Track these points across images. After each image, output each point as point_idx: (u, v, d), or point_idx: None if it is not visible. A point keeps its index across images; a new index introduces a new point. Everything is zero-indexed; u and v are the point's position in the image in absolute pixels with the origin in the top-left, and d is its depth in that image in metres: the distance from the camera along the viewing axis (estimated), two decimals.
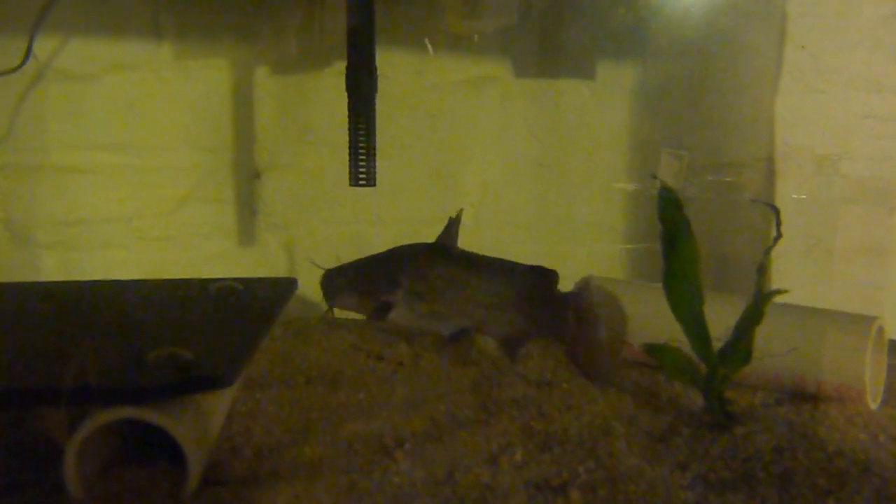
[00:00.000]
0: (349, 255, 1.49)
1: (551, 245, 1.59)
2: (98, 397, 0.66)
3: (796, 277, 1.40)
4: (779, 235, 0.82)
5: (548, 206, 1.56)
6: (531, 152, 1.54)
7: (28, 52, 1.25)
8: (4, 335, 0.83)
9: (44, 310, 0.94)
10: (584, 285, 1.09)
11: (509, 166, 1.54)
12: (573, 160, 1.56)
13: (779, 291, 0.80)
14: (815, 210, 1.47)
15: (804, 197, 1.47)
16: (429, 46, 1.44)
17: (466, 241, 1.52)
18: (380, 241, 1.49)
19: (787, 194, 1.48)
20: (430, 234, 1.50)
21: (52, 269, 1.39)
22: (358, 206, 1.48)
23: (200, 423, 0.71)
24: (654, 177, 0.86)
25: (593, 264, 1.60)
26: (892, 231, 1.47)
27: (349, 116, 1.14)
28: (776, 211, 0.82)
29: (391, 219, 1.50)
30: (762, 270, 0.82)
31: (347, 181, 1.44)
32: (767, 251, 0.83)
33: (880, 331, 0.94)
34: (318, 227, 1.48)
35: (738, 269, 1.47)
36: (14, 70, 1.26)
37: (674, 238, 0.85)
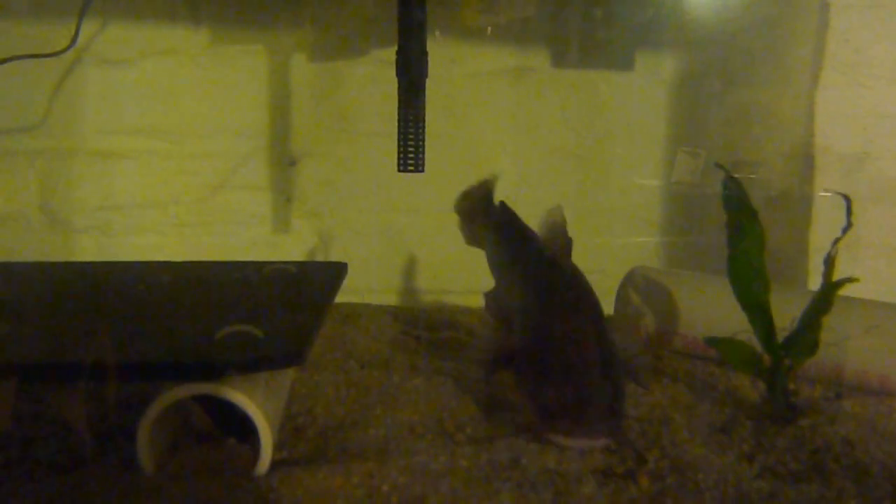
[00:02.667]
0: (384, 244, 1.48)
1: (587, 237, 1.58)
2: (171, 374, 0.65)
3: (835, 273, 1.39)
4: (848, 225, 0.81)
5: (584, 197, 1.55)
6: (567, 144, 1.53)
7: (76, 36, 1.25)
8: (76, 313, 0.83)
9: (101, 288, 0.94)
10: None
11: (545, 157, 1.53)
12: (610, 152, 1.55)
13: (849, 280, 0.79)
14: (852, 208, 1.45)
15: (830, 194, 1.45)
16: (437, 36, 1.43)
17: None
18: (414, 231, 1.49)
19: (827, 189, 1.46)
20: None
21: (88, 253, 1.39)
22: (392, 196, 1.47)
23: (270, 401, 0.70)
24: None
25: (629, 256, 1.58)
26: None
27: (399, 101, 1.13)
28: (848, 200, 0.81)
29: (426, 208, 1.49)
30: (830, 261, 0.81)
31: (383, 170, 1.44)
32: (836, 241, 0.82)
33: None
34: (353, 216, 1.47)
35: (772, 266, 1.46)
36: (60, 53, 1.25)
37: (739, 224, 0.83)
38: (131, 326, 0.77)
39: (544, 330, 0.82)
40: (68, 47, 1.24)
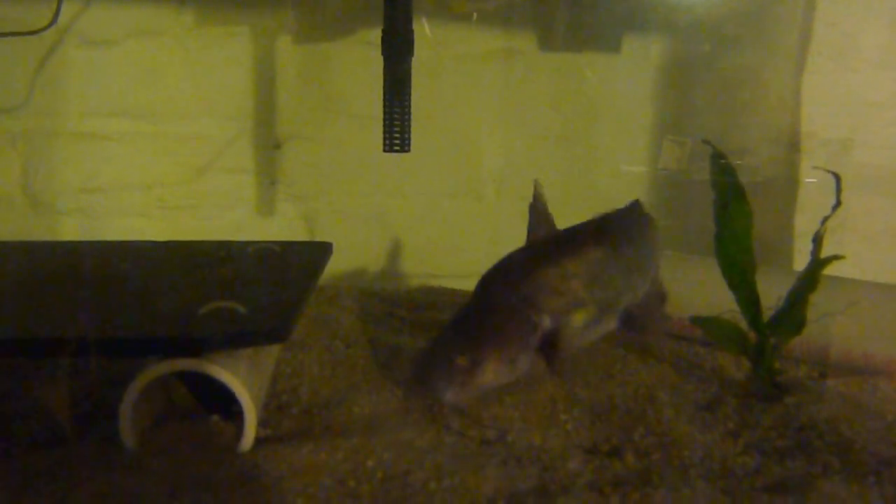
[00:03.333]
0: (370, 228, 1.47)
1: (574, 220, 1.58)
2: (154, 349, 0.64)
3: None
4: (837, 203, 0.81)
5: (571, 180, 1.55)
6: (555, 126, 1.52)
7: (56, 14, 1.22)
8: (59, 290, 0.81)
9: (85, 267, 0.93)
10: None
11: (533, 140, 1.52)
12: (596, 135, 1.55)
13: (835, 258, 0.79)
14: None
15: (816, 180, 1.46)
16: (425, 26, 1.42)
17: (488, 216, 1.52)
18: (400, 214, 1.48)
19: (813, 173, 1.47)
20: (451, 209, 1.49)
21: (71, 236, 1.38)
22: (379, 178, 1.47)
23: (254, 378, 0.70)
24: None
25: None
26: None
27: (384, 80, 1.12)
28: (837, 179, 0.81)
29: (413, 191, 1.49)
30: (818, 239, 0.81)
31: (369, 152, 1.43)
32: (825, 219, 0.82)
33: None
34: (339, 199, 1.46)
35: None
36: (40, 31, 1.23)
37: (726, 203, 0.83)
38: (114, 303, 0.76)
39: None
40: (48, 25, 1.22)
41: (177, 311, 0.72)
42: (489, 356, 0.72)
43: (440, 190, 1.50)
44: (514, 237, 1.53)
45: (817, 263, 0.80)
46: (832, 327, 0.92)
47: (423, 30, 1.42)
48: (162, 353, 0.65)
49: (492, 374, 0.72)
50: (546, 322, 0.77)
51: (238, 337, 0.65)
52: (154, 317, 0.71)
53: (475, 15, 1.46)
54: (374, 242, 1.48)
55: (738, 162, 1.47)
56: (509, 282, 0.80)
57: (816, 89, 1.45)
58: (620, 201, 1.55)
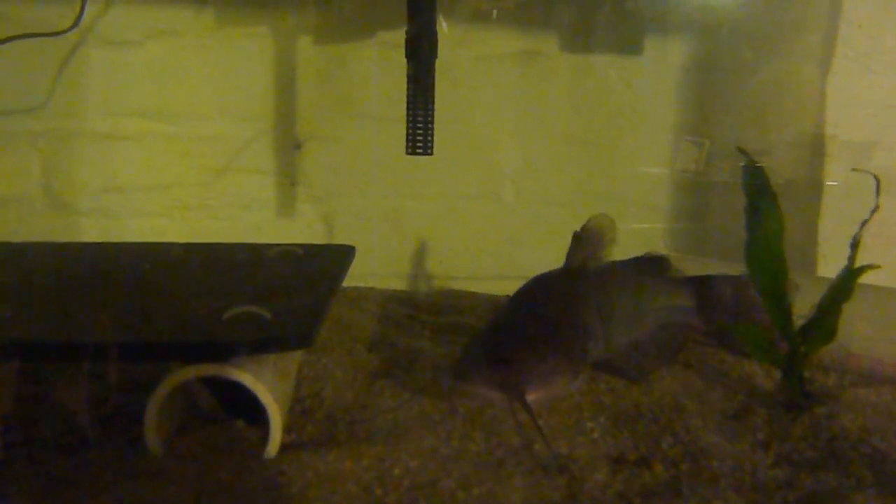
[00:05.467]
0: (389, 229, 1.47)
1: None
2: (179, 354, 0.64)
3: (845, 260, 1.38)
4: (876, 207, 0.79)
5: (590, 183, 1.54)
6: (575, 128, 1.51)
7: (80, 16, 1.23)
8: (82, 293, 0.81)
9: (108, 269, 0.92)
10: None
11: (552, 142, 1.51)
12: (617, 137, 1.54)
13: (870, 267, 0.77)
14: (862, 196, 1.44)
15: (836, 183, 1.44)
16: (443, 24, 1.41)
17: (507, 218, 1.51)
18: (420, 216, 1.47)
19: (837, 177, 1.45)
20: (470, 210, 1.49)
21: (91, 236, 1.38)
22: (398, 180, 1.46)
23: (279, 383, 0.69)
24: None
25: (636, 242, 1.57)
26: None
27: (408, 83, 1.11)
28: (877, 180, 0.79)
29: (432, 193, 1.48)
30: (856, 245, 0.79)
31: (389, 154, 1.42)
32: (863, 224, 0.80)
33: None
34: (359, 200, 1.46)
35: None
36: (63, 32, 1.24)
37: (758, 209, 0.82)
38: (138, 307, 0.76)
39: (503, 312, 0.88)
40: (72, 27, 1.23)
41: (201, 316, 0.71)
42: (565, 366, 0.77)
43: (460, 192, 1.49)
44: (532, 239, 1.53)
45: (852, 271, 0.78)
46: (863, 336, 0.90)
47: (441, 28, 1.41)
48: (187, 358, 0.65)
49: (564, 384, 0.77)
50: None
51: (264, 342, 0.65)
52: (178, 321, 0.71)
53: (495, 13, 1.45)
54: (393, 244, 1.48)
55: (758, 164, 1.45)
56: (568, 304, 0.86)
57: (841, 91, 1.43)
58: (641, 203, 1.54)
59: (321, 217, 1.46)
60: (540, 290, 0.91)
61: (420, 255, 1.49)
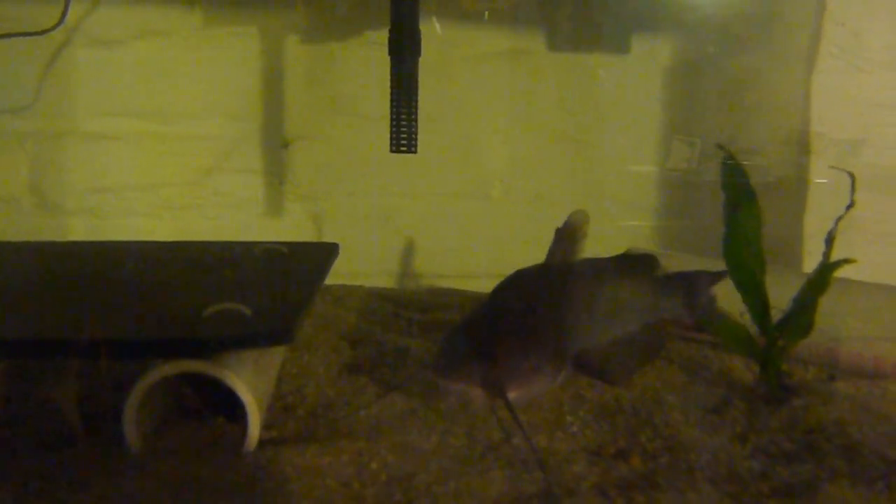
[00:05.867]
0: (377, 227, 1.47)
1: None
2: (158, 351, 0.64)
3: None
4: (851, 204, 0.80)
5: (578, 181, 1.54)
6: (563, 127, 1.52)
7: (64, 14, 1.23)
8: (64, 291, 0.82)
9: (95, 267, 0.93)
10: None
11: (540, 141, 1.52)
12: (605, 135, 1.54)
13: (846, 261, 0.78)
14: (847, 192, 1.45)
15: (825, 181, 1.45)
16: (436, 26, 1.42)
17: (495, 216, 1.51)
18: (408, 214, 1.48)
19: (823, 174, 1.46)
20: (458, 209, 1.49)
21: (79, 236, 1.38)
22: (387, 179, 1.47)
23: (259, 380, 0.70)
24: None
25: (623, 239, 1.58)
26: None
27: (391, 80, 1.11)
28: (852, 179, 0.80)
29: (420, 191, 1.48)
30: (830, 240, 0.80)
31: (376, 153, 1.42)
32: (839, 219, 0.81)
33: None
34: (347, 199, 1.46)
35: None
36: (48, 31, 1.24)
37: (736, 205, 0.83)
38: (119, 304, 0.76)
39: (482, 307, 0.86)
40: (56, 25, 1.23)
41: (181, 313, 0.72)
42: (546, 363, 0.77)
43: (447, 190, 1.50)
44: (520, 237, 1.53)
45: (828, 266, 0.79)
46: (841, 330, 0.91)
47: (434, 29, 1.42)
48: (166, 354, 0.65)
49: (545, 381, 0.77)
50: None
51: (243, 339, 0.65)
52: (159, 318, 0.71)
53: (486, 14, 1.46)
54: (381, 242, 1.48)
55: (747, 162, 1.46)
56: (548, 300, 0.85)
57: (825, 90, 1.44)
58: (629, 201, 1.55)
59: (309, 216, 1.47)
60: (520, 285, 0.90)
61: (408, 253, 1.49)
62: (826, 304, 0.83)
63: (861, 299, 1.04)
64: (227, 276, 0.87)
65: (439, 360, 0.76)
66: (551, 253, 0.94)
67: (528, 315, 0.83)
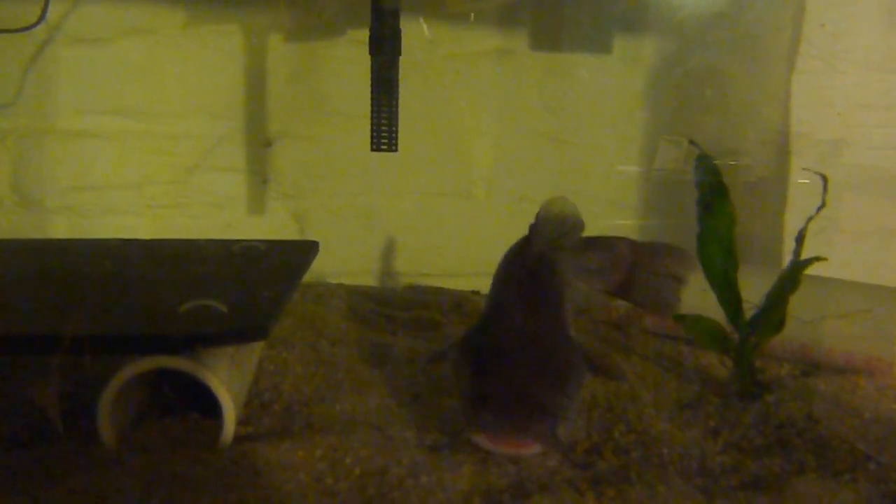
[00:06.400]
0: (361, 226, 1.48)
1: None
2: (133, 347, 0.65)
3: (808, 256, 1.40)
4: (822, 204, 0.82)
5: (561, 180, 1.55)
6: (545, 126, 1.52)
7: (45, 11, 1.23)
8: (40, 287, 0.82)
9: (72, 264, 0.93)
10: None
11: (523, 139, 1.53)
12: (588, 135, 1.55)
13: (817, 259, 0.80)
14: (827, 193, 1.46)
15: (808, 181, 1.46)
16: (425, 29, 1.42)
17: (479, 215, 1.52)
18: (391, 213, 1.48)
19: (803, 174, 1.47)
20: (442, 208, 1.50)
21: (61, 234, 1.38)
22: (370, 178, 1.47)
23: (234, 376, 0.70)
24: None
25: None
26: None
27: (372, 79, 1.12)
28: (824, 180, 0.81)
29: (403, 190, 1.49)
30: (801, 238, 0.81)
31: (360, 152, 1.43)
32: (809, 219, 0.82)
33: None
34: (330, 198, 1.46)
35: (747, 248, 1.47)
36: (28, 28, 1.23)
37: (710, 202, 0.84)
38: (95, 301, 0.76)
39: (489, 323, 0.78)
40: (37, 23, 1.22)
41: (157, 309, 0.72)
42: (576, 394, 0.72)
43: (431, 189, 1.50)
44: (503, 236, 1.53)
45: (798, 263, 0.81)
46: (815, 327, 0.93)
47: (422, 30, 1.43)
48: (142, 350, 0.65)
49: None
50: None
51: (218, 335, 0.65)
52: (134, 315, 0.71)
53: (472, 16, 1.46)
54: (364, 241, 1.49)
55: (733, 162, 1.48)
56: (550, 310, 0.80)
57: (805, 90, 1.45)
58: (612, 200, 1.56)
59: (293, 214, 1.47)
60: (516, 296, 0.81)
61: (391, 252, 1.50)
62: (804, 301, 0.85)
63: (838, 297, 1.06)
64: (204, 273, 0.87)
65: (477, 410, 0.66)
66: (531, 245, 0.88)
67: (539, 339, 0.75)
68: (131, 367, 0.64)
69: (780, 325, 0.84)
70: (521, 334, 0.74)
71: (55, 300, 0.77)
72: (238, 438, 0.69)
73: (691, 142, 0.88)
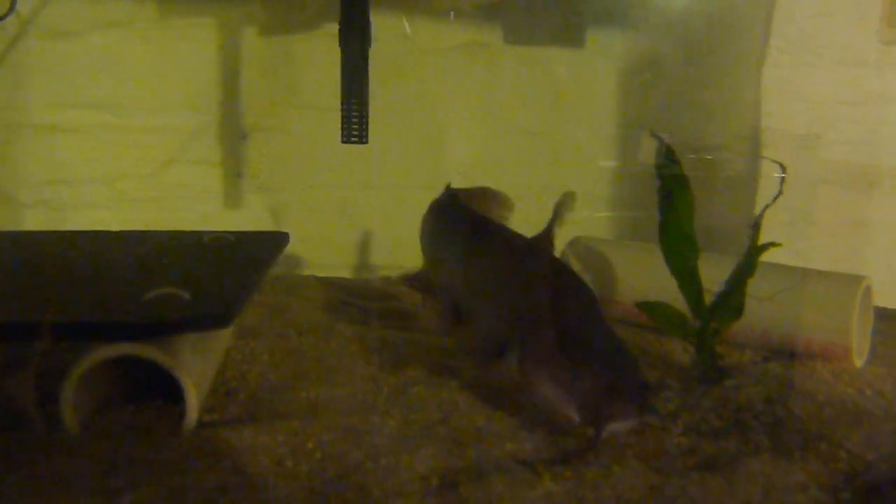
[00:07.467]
0: (337, 219, 1.48)
1: (539, 213, 1.60)
2: (96, 334, 0.65)
3: (780, 250, 1.42)
4: (779, 193, 0.83)
5: (536, 173, 1.56)
6: (521, 120, 1.53)
7: (12, 5, 1.22)
8: (7, 277, 0.82)
9: (40, 255, 0.93)
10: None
11: (499, 133, 1.54)
12: (562, 128, 1.56)
13: (771, 245, 0.81)
14: (798, 186, 1.48)
15: (784, 176, 1.48)
16: (406, 27, 1.43)
17: None
18: (367, 206, 1.49)
19: (773, 168, 1.49)
20: (418, 201, 1.50)
21: (34, 227, 1.37)
22: (345, 171, 1.47)
23: (197, 363, 0.71)
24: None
25: (580, 230, 1.61)
26: (873, 207, 1.49)
27: (342, 71, 1.13)
28: (782, 168, 0.83)
29: (379, 184, 1.49)
30: (756, 226, 0.83)
31: (335, 145, 1.43)
32: (765, 208, 0.84)
33: (867, 291, 0.96)
34: (306, 191, 1.47)
35: (721, 239, 1.49)
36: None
37: (670, 191, 0.85)
38: (61, 290, 0.77)
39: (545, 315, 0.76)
40: (6, 15, 1.22)
41: (121, 298, 0.72)
42: None
43: (407, 182, 1.51)
44: None
45: (754, 250, 0.82)
46: (775, 313, 0.94)
47: (403, 26, 1.43)
48: (106, 338, 0.66)
49: None
50: None
51: (179, 322, 0.66)
52: (98, 303, 0.72)
53: (452, 14, 1.47)
54: (340, 234, 1.49)
55: (709, 157, 1.49)
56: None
57: (776, 85, 1.47)
58: (585, 193, 1.57)
59: (268, 208, 1.47)
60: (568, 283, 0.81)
61: (367, 244, 1.51)
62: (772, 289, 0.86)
63: (808, 286, 1.07)
64: (171, 263, 0.88)
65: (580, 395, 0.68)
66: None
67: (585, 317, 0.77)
68: (93, 355, 0.65)
69: (738, 310, 0.86)
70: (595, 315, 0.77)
71: (20, 290, 0.77)
72: (203, 424, 0.70)
73: (653, 134, 0.89)
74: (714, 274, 0.88)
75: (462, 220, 0.96)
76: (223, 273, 0.82)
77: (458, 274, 0.89)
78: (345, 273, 1.47)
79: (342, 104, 1.13)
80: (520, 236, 0.90)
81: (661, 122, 1.54)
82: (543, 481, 0.63)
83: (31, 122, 1.36)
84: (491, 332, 0.79)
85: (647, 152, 1.50)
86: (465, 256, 0.90)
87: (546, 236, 0.88)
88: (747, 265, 0.82)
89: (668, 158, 0.87)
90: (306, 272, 1.43)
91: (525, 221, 1.56)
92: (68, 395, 0.65)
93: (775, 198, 0.86)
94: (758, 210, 1.54)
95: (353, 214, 1.50)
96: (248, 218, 1.45)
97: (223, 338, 0.84)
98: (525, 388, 0.73)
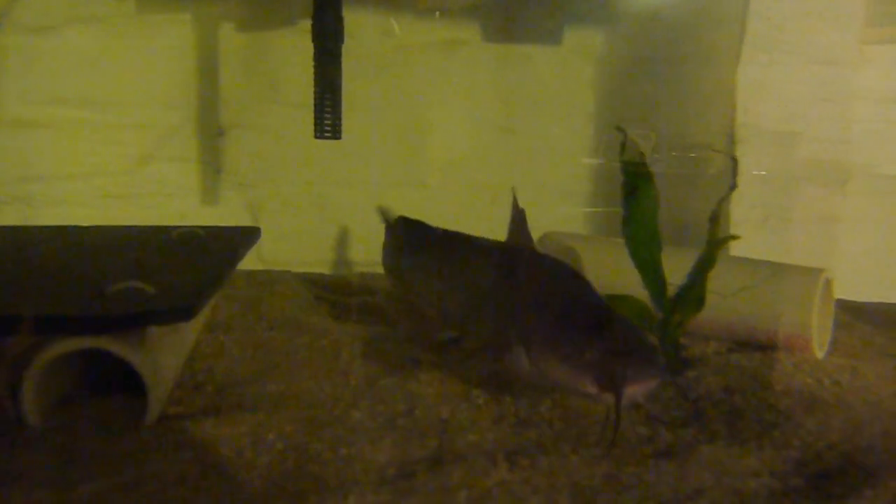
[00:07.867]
0: (315, 216, 1.49)
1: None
2: (57, 327, 0.66)
3: (754, 245, 1.43)
4: (734, 185, 0.85)
5: (514, 170, 1.57)
6: (498, 117, 1.54)
7: None
8: None
9: (3, 250, 0.93)
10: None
11: (476, 130, 1.54)
12: (539, 125, 1.57)
13: (732, 237, 0.83)
14: (771, 182, 1.50)
15: (763, 173, 1.50)
16: (395, 25, 1.44)
17: (433, 205, 1.54)
18: (344, 203, 1.49)
19: (749, 166, 1.50)
20: (396, 197, 1.51)
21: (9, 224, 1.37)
22: (323, 167, 1.48)
23: (160, 356, 0.71)
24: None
25: (555, 226, 1.62)
26: (844, 203, 1.51)
27: (315, 66, 1.13)
28: (734, 161, 0.84)
29: (357, 181, 1.50)
30: (715, 218, 0.85)
31: (313, 141, 1.44)
32: (722, 199, 0.85)
33: (827, 283, 0.97)
34: (284, 187, 1.47)
35: (699, 235, 1.50)
36: None
37: (634, 185, 0.86)
38: (26, 284, 0.77)
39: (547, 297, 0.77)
40: None
41: (85, 291, 0.73)
42: None
43: (385, 179, 1.52)
44: (456, 225, 1.56)
45: (713, 243, 0.84)
46: (739, 306, 0.96)
47: (392, 27, 1.44)
48: (68, 331, 0.67)
49: None
50: None
51: (141, 315, 0.67)
52: (62, 296, 0.72)
53: (438, 14, 1.48)
54: (318, 230, 1.50)
55: (692, 154, 1.50)
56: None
57: (751, 82, 1.48)
58: (561, 189, 1.59)
59: (246, 204, 1.47)
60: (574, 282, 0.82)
61: (345, 241, 1.51)
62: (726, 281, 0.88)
63: (770, 279, 1.09)
64: (138, 257, 0.88)
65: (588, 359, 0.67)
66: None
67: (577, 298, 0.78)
68: (55, 348, 0.65)
69: (700, 302, 0.87)
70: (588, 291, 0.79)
71: None
72: (167, 417, 0.71)
73: (618, 127, 0.90)
74: (682, 267, 0.89)
75: (432, 234, 1.02)
76: (189, 267, 0.83)
77: (448, 283, 0.91)
78: (322, 269, 1.47)
79: (315, 101, 1.13)
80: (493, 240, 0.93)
81: (640, 120, 1.55)
82: (499, 470, 0.64)
83: (6, 118, 1.36)
84: (495, 329, 0.80)
85: (632, 150, 1.52)
86: (450, 266, 0.94)
87: (521, 233, 0.89)
88: (708, 257, 0.84)
89: (633, 152, 0.88)
90: (283, 268, 1.44)
91: (502, 219, 1.58)
92: (29, 389, 0.66)
93: (731, 190, 0.87)
94: (734, 206, 1.57)
95: (331, 210, 1.50)
96: (226, 214, 1.45)
97: (191, 330, 0.85)
98: (538, 375, 0.73)
